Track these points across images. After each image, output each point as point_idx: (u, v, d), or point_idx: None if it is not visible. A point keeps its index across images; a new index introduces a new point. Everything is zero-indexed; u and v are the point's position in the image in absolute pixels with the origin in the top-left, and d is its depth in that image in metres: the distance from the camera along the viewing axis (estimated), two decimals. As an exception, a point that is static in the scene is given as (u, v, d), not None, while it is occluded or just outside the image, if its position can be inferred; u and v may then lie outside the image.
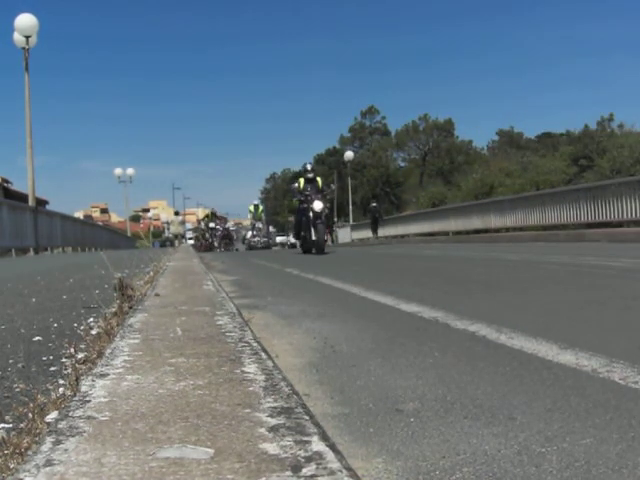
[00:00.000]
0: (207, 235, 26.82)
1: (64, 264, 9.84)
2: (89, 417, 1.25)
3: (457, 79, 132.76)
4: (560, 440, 1.33)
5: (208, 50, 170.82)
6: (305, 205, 12.86)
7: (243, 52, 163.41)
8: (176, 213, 79.36)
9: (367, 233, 32.39)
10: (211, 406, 1.31)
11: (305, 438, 1.10)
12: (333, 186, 15.48)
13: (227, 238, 27.23)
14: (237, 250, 27.48)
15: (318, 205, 12.58)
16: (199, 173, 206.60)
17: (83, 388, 1.48)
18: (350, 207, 41.41)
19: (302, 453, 1.03)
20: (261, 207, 28.49)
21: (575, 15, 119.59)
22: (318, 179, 13.54)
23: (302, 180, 13.54)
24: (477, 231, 21.74)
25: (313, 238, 12.39)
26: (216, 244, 26.78)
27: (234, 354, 1.84)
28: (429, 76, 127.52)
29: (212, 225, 26.62)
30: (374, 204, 32.49)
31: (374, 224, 30.86)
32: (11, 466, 1.12)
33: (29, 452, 1.12)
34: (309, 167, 13.88)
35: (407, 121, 65.19)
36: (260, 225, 27.12)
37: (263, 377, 1.55)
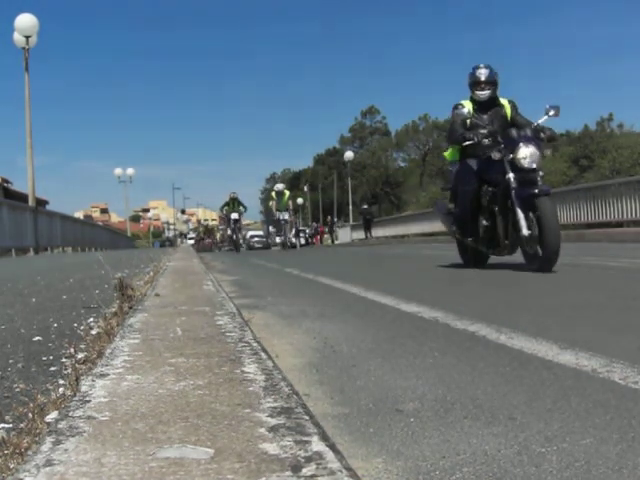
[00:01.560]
0: (229, 228, 20.12)
1: (64, 264, 9.84)
2: (89, 417, 1.25)
3: (457, 79, 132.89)
4: (560, 440, 1.33)
5: (208, 52, 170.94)
6: (498, 153, 5.69)
7: (243, 53, 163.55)
8: (182, 212, 79.36)
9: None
10: (211, 406, 1.31)
11: (305, 438, 1.10)
12: (552, 111, 5.79)
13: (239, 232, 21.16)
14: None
15: (528, 153, 5.53)
16: (199, 173, 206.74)
17: (83, 388, 1.48)
18: (350, 207, 41.45)
19: (302, 453, 1.03)
20: (287, 193, 20.69)
21: (575, 15, 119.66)
22: (504, 102, 6.22)
23: (469, 103, 6.20)
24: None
25: (524, 233, 5.42)
26: (226, 243, 21.51)
27: (234, 354, 1.84)
28: (429, 76, 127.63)
29: (235, 216, 19.51)
30: (365, 206, 33.85)
31: (367, 225, 32.01)
32: (11, 466, 1.12)
33: (29, 452, 1.12)
34: (483, 73, 6.11)
35: (407, 121, 65.32)
36: (287, 217, 19.93)
37: (263, 377, 1.55)
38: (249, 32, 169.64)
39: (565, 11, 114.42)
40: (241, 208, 19.96)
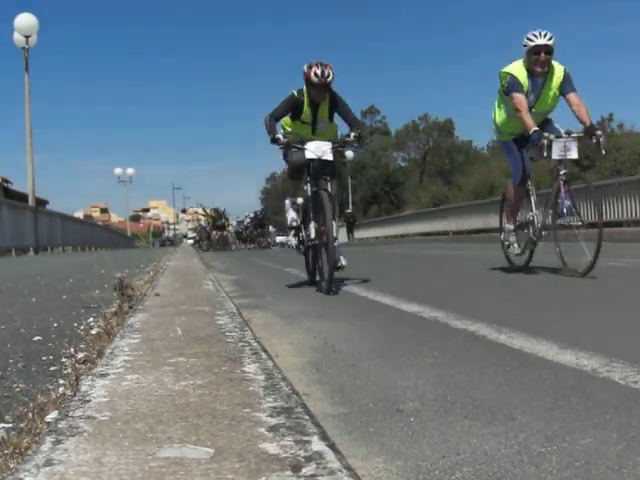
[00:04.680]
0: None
1: (64, 264, 9.84)
2: (89, 417, 1.25)
3: (457, 79, 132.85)
4: (560, 440, 1.33)
5: (208, 50, 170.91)
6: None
7: (243, 52, 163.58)
8: (183, 211, 78.94)
9: (367, 233, 33.50)
10: (211, 406, 1.31)
11: (305, 438, 1.10)
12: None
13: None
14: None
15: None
16: (199, 173, 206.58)
17: (83, 388, 1.48)
18: (350, 207, 41.47)
19: (302, 453, 1.03)
20: None
21: (575, 15, 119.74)
22: None
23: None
24: (477, 231, 21.74)
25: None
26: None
27: (234, 354, 1.84)
28: (429, 76, 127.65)
29: (314, 152, 4.52)
30: (348, 210, 35.56)
31: (349, 228, 33.31)
32: (11, 466, 1.12)
33: (29, 452, 1.12)
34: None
35: (407, 121, 65.24)
36: None
37: (263, 377, 1.55)
38: (248, 31, 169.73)
39: (565, 9, 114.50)
40: (334, 127, 5.16)
